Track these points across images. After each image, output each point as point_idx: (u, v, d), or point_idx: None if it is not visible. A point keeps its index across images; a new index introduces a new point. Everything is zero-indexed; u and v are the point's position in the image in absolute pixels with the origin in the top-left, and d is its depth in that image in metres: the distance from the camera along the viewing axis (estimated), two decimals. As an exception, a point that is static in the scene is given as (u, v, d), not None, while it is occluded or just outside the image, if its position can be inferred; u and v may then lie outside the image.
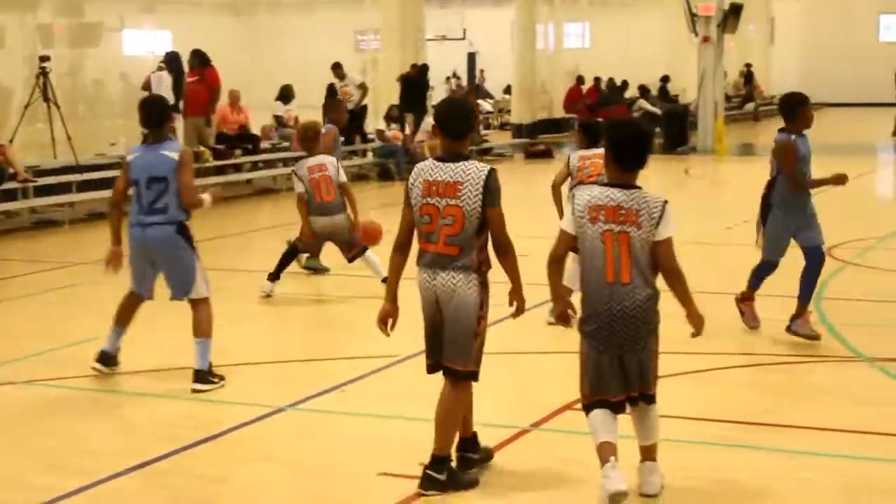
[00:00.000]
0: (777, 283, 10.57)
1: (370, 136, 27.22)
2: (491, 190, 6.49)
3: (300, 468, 7.32)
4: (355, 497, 6.84)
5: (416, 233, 6.69)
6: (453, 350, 6.61)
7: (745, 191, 22.36)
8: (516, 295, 6.75)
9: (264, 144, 24.76)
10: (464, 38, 48.64)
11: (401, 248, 6.76)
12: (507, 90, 40.05)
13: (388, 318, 6.78)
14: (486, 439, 7.23)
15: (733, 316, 10.70)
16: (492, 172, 6.53)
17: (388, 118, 27.28)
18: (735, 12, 30.71)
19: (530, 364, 9.90)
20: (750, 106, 45.64)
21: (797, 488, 6.80)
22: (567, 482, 6.94)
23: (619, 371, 6.41)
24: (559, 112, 37.98)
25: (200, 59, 22.54)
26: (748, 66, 47.45)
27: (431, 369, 6.79)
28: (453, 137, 6.65)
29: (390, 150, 25.89)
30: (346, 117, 14.20)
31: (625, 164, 6.42)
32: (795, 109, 10.19)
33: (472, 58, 50.92)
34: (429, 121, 26.20)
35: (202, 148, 21.75)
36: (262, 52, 37.29)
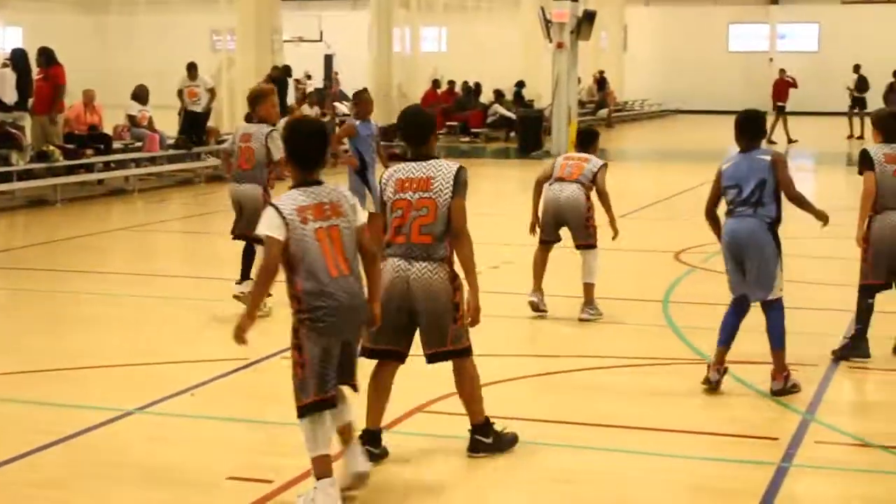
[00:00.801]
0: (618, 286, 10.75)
1: (226, 137, 26.89)
2: (459, 183, 6.97)
3: (148, 472, 7.22)
4: (204, 502, 6.79)
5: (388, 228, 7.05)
6: (436, 335, 7.01)
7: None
8: (472, 298, 7.06)
9: (117, 144, 24.37)
10: (321, 40, 48.51)
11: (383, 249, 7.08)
12: (364, 93, 39.97)
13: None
14: (337, 441, 7.22)
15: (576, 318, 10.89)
16: (461, 168, 7.05)
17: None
18: (588, 19, 31.08)
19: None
20: (603, 112, 46.23)
21: (643, 489, 6.92)
22: (421, 484, 6.98)
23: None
24: (415, 115, 38.00)
25: (46, 58, 22.07)
26: (601, 72, 48.08)
27: (379, 355, 7.09)
28: (418, 144, 7.19)
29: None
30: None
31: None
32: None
33: (329, 60, 50.81)
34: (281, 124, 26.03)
35: (51, 147, 21.33)
36: (116, 51, 36.82)
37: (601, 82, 47.67)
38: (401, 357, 7.16)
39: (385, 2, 35.66)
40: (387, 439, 7.33)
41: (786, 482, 7.02)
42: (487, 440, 7.27)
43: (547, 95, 34.76)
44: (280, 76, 27.93)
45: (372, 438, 7.18)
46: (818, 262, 14.32)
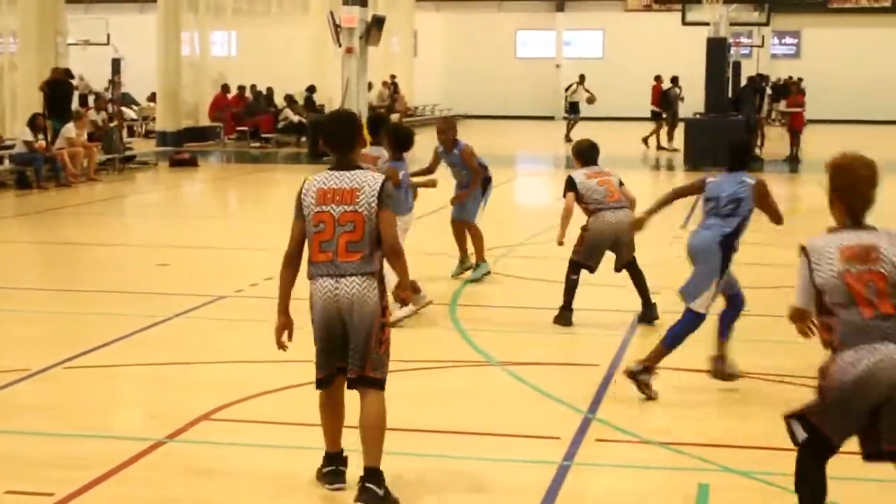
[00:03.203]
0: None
1: (9, 142, 26.20)
2: (385, 195, 6.61)
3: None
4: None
5: (306, 244, 6.66)
6: (362, 358, 6.60)
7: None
8: (402, 284, 6.91)
9: None
10: (108, 44, 47.53)
11: (291, 262, 6.73)
12: (153, 97, 39.43)
13: (284, 329, 6.72)
14: (121, 453, 7.12)
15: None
16: (387, 180, 6.70)
17: (33, 126, 26.24)
18: (378, 24, 31.17)
19: (175, 374, 9.76)
20: (394, 117, 46.43)
21: (430, 491, 6.99)
22: (201, 493, 6.93)
23: None
24: (205, 120, 37.69)
25: None
26: (392, 77, 48.32)
27: (323, 383, 6.76)
28: (341, 150, 6.75)
29: (29, 158, 24.99)
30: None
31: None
32: None
33: (116, 64, 49.84)
34: (69, 127, 25.52)
35: None
36: None
37: (392, 87, 47.92)
38: (344, 373, 6.73)
39: (173, 5, 35.22)
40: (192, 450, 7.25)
41: (567, 480, 7.18)
42: (380, 491, 6.60)
43: (338, 100, 34.71)
44: (59, 78, 27.30)
45: (337, 459, 6.96)
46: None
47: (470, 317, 11.71)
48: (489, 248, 14.25)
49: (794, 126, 33.90)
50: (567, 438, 7.91)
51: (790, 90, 38.31)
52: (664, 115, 37.12)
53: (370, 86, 38.88)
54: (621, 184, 11.73)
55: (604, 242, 11.57)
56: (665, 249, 14.25)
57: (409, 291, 7.03)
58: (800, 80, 41.76)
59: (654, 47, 52.07)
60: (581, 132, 40.76)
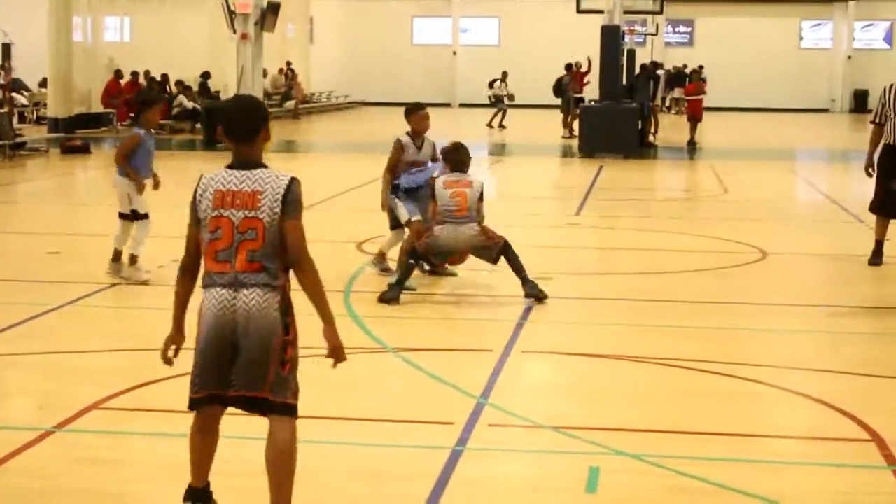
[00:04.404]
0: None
1: None
2: (290, 200, 5.75)
3: None
4: None
5: (202, 251, 5.85)
6: (259, 379, 5.76)
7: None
8: (329, 333, 5.96)
9: None
10: (-3, 28, 46.73)
11: (187, 273, 5.96)
12: (44, 83, 38.85)
13: (172, 344, 6.03)
14: (6, 444, 7.02)
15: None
16: (294, 181, 5.80)
17: None
18: (273, 10, 31.05)
19: (66, 363, 9.63)
20: (290, 104, 46.28)
21: (323, 478, 6.98)
22: (91, 483, 6.86)
23: None
24: (98, 107, 37.24)
25: None
26: (288, 64, 48.10)
27: (201, 403, 5.92)
28: (240, 141, 5.86)
29: None
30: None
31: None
32: None
33: (6, 49, 48.99)
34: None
35: None
36: None
37: (288, 74, 47.70)
38: (227, 401, 5.92)
39: (64, -10, 34.73)
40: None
41: (459, 465, 7.20)
42: None
43: (233, 86, 34.53)
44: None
45: (203, 496, 6.15)
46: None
47: (364, 303, 11.70)
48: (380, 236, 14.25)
49: (694, 113, 34.37)
50: (460, 424, 7.93)
51: (691, 77, 38.78)
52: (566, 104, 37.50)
53: (265, 72, 38.72)
54: (481, 197, 12.04)
55: (442, 252, 12.14)
56: (559, 235, 14.36)
57: (335, 334, 5.99)
58: (701, 67, 42.26)
59: (549, 35, 52.42)
60: (483, 119, 41.05)
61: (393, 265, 12.81)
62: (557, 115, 38.19)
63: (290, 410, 5.87)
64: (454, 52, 57.05)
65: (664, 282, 13.09)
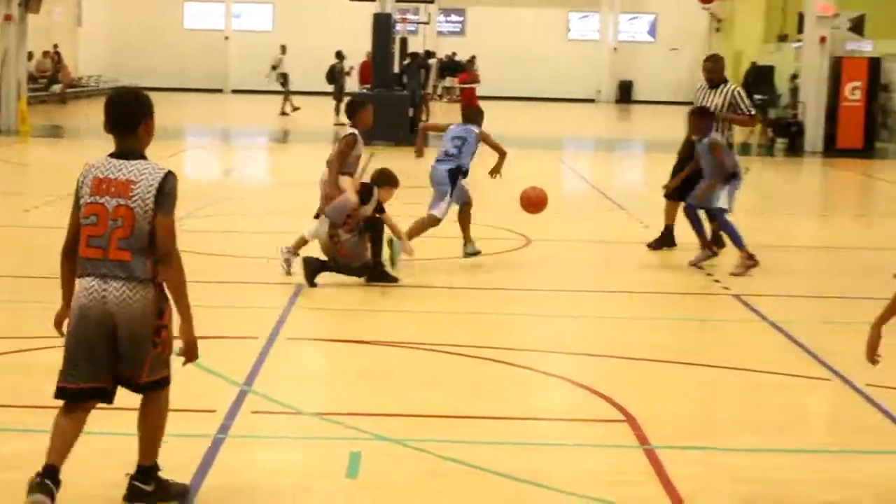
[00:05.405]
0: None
1: None
2: (164, 194, 5.91)
3: None
4: None
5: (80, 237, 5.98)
6: (133, 363, 6.00)
7: (52, 172, 22.21)
8: (185, 333, 6.08)
9: None
10: None
11: (68, 256, 6.05)
12: None
13: (63, 321, 6.09)
14: None
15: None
16: (168, 176, 5.95)
17: None
18: (37, -8, 30.28)
19: None
20: (56, 87, 45.19)
21: (82, 469, 6.84)
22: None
23: None
24: None
25: None
26: (55, 47, 46.93)
27: (71, 396, 6.02)
28: (122, 132, 6.04)
29: None
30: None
31: None
32: None
33: None
34: None
35: None
36: None
37: (55, 57, 46.56)
38: (105, 395, 6.11)
39: None
40: None
41: (221, 453, 7.17)
42: (148, 487, 6.27)
43: (-4, 69, 33.57)
44: None
45: (54, 474, 6.02)
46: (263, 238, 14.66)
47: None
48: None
49: (469, 102, 34.78)
50: (222, 411, 7.89)
51: (465, 67, 39.27)
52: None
53: (30, 55, 37.71)
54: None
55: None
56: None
57: (190, 334, 6.10)
58: (473, 57, 42.77)
59: (323, 22, 52.40)
60: (254, 106, 40.69)
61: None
62: (331, 102, 38.15)
63: (164, 383, 6.19)
64: (226, 38, 56.49)
65: (431, 267, 13.23)
